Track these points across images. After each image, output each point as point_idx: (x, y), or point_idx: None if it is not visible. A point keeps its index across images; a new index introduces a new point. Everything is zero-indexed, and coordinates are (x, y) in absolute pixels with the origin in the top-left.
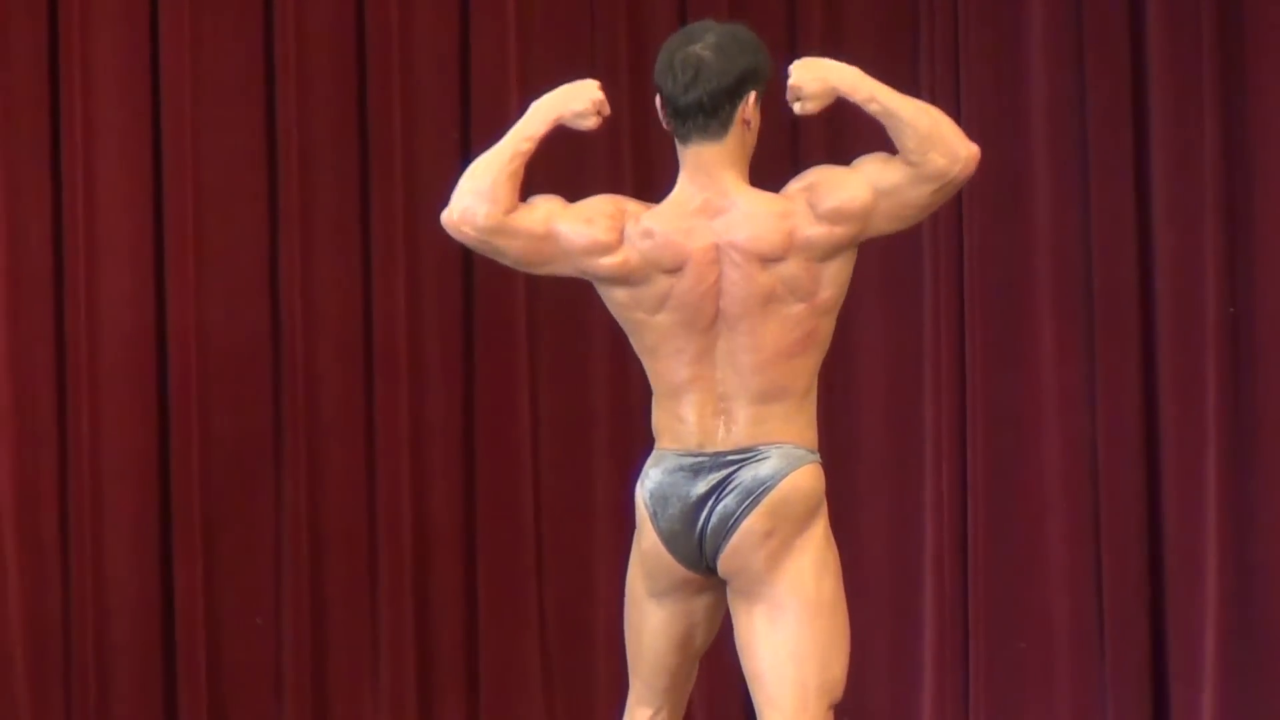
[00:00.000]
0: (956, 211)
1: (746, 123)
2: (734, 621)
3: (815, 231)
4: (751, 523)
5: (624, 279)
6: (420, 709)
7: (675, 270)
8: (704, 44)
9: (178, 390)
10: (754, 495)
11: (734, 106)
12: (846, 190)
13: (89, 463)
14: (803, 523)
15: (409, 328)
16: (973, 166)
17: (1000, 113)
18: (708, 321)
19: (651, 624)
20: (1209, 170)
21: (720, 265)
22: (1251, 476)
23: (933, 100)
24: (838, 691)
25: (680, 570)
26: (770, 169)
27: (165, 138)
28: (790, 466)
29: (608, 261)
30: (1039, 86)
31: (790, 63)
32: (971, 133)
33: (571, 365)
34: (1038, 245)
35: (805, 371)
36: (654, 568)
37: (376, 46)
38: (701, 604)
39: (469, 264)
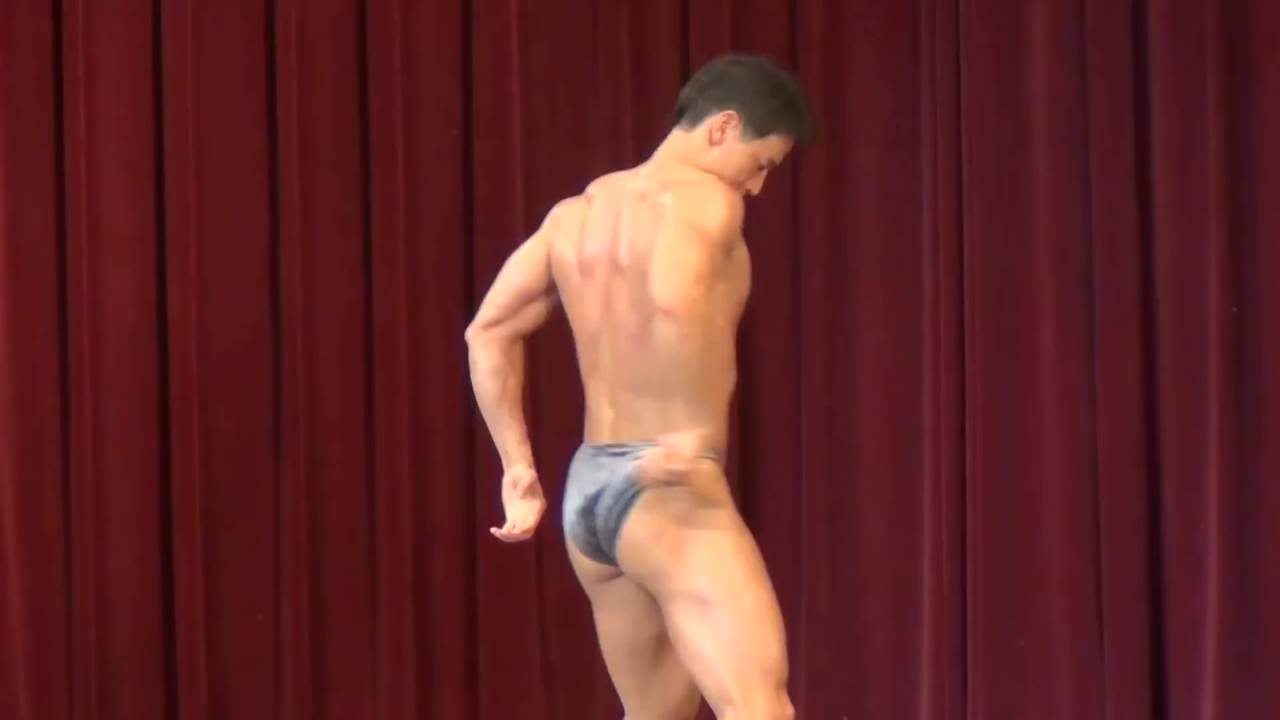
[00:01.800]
0: (957, 209)
1: (713, 140)
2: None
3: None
4: (633, 528)
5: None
6: (420, 705)
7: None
8: (736, 59)
9: (179, 386)
10: (625, 497)
11: (705, 108)
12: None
13: (91, 459)
14: (690, 518)
15: (410, 324)
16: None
17: (1001, 111)
18: (599, 305)
19: (600, 629)
20: (1211, 169)
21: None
22: (1252, 476)
23: (933, 98)
24: (781, 671)
25: (587, 562)
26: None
27: (167, 133)
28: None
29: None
30: (1040, 84)
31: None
32: (972, 130)
33: (571, 362)
34: (1038, 244)
35: (685, 368)
36: (574, 563)
37: (378, 43)
38: (629, 593)
39: (470, 260)
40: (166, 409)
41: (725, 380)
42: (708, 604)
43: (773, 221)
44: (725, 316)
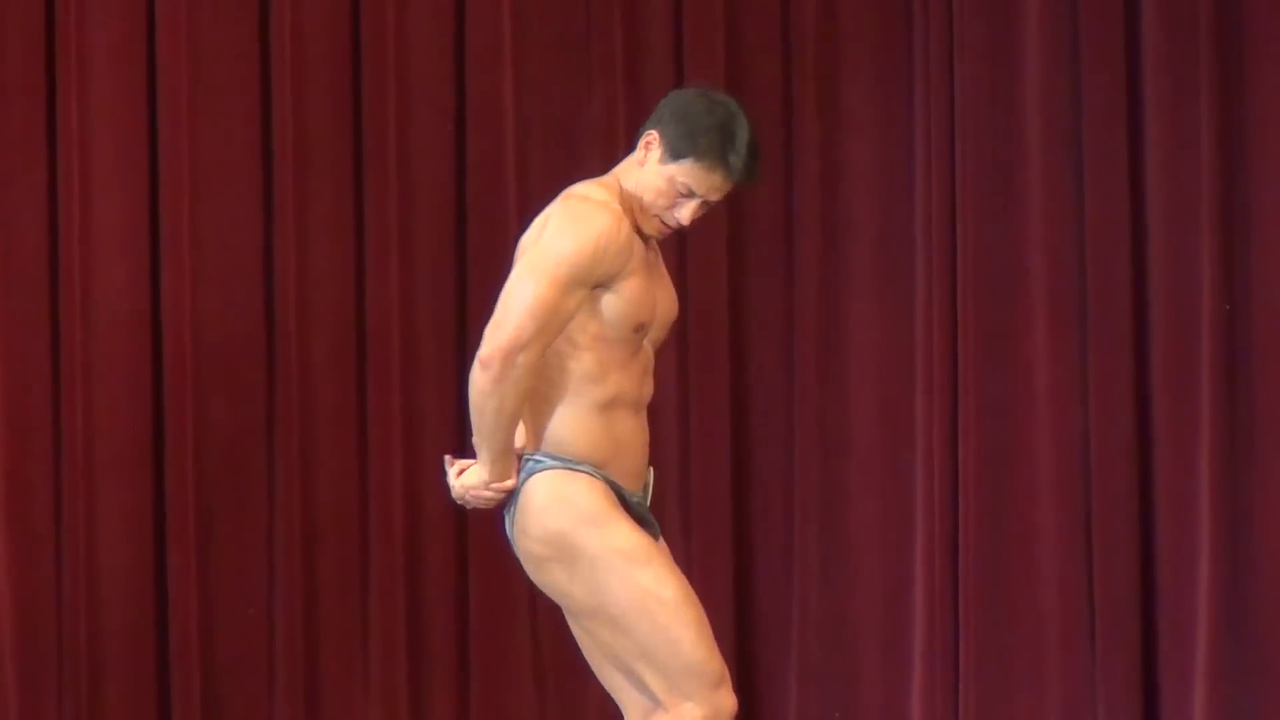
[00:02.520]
0: (950, 207)
1: (640, 160)
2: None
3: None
4: (524, 546)
5: None
6: (411, 699)
7: None
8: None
9: (172, 381)
10: (510, 512)
11: (644, 128)
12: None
13: (82, 453)
14: (574, 534)
15: (403, 319)
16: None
17: (995, 108)
18: None
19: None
20: (1204, 167)
21: None
22: (1244, 473)
23: (926, 97)
24: (707, 667)
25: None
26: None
27: (161, 128)
28: (523, 480)
29: None
30: (1034, 83)
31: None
32: (966, 128)
33: None
34: (1031, 241)
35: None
36: None
37: (372, 39)
38: None
39: (462, 256)
40: (160, 403)
41: (594, 391)
42: (615, 621)
43: (766, 218)
44: (594, 334)
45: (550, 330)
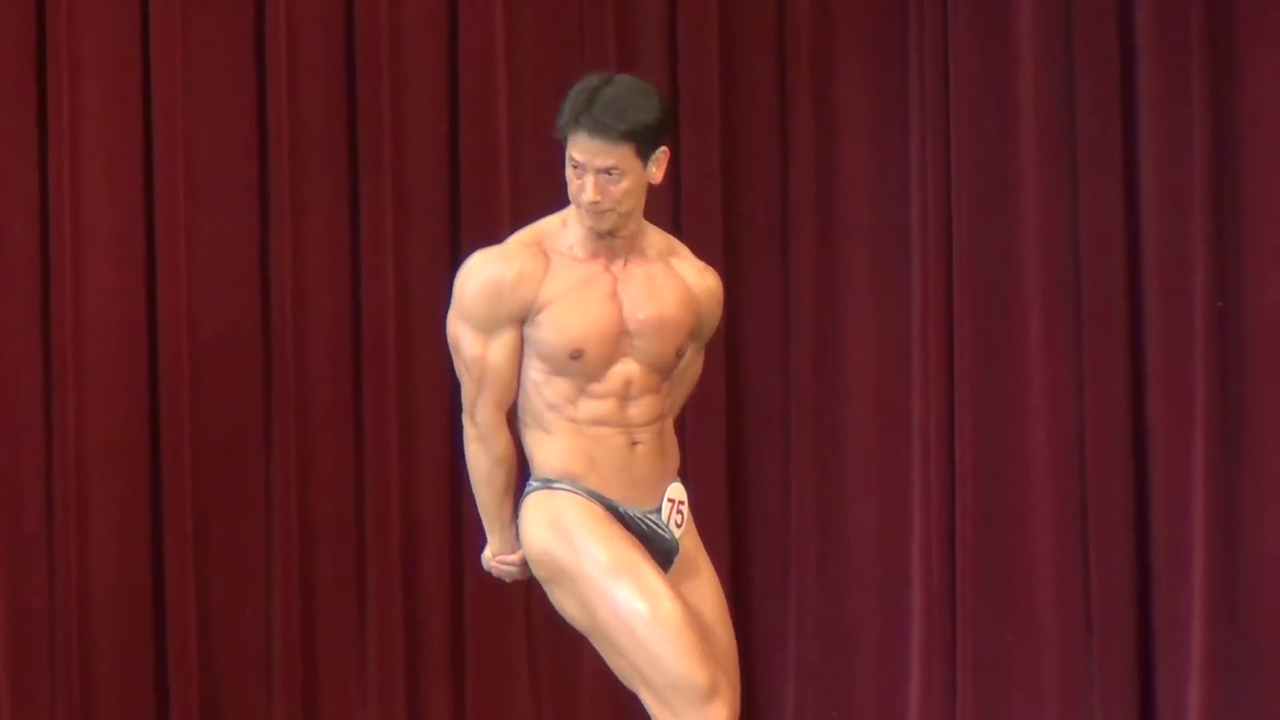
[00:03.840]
0: (945, 204)
1: None
2: None
3: None
4: (531, 568)
5: None
6: (408, 699)
7: None
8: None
9: (167, 382)
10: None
11: None
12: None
13: (74, 455)
14: (557, 554)
15: (398, 320)
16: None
17: (989, 105)
18: None
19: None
20: (1197, 163)
21: None
22: (1238, 471)
23: (921, 94)
24: (695, 680)
25: None
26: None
27: (155, 128)
28: (519, 505)
29: None
30: (1028, 78)
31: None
32: (960, 125)
33: None
34: (1026, 238)
35: (530, 400)
36: None
37: (366, 39)
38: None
39: (458, 255)
40: (155, 404)
41: (567, 414)
42: (604, 637)
43: (761, 216)
44: (543, 368)
45: (490, 381)
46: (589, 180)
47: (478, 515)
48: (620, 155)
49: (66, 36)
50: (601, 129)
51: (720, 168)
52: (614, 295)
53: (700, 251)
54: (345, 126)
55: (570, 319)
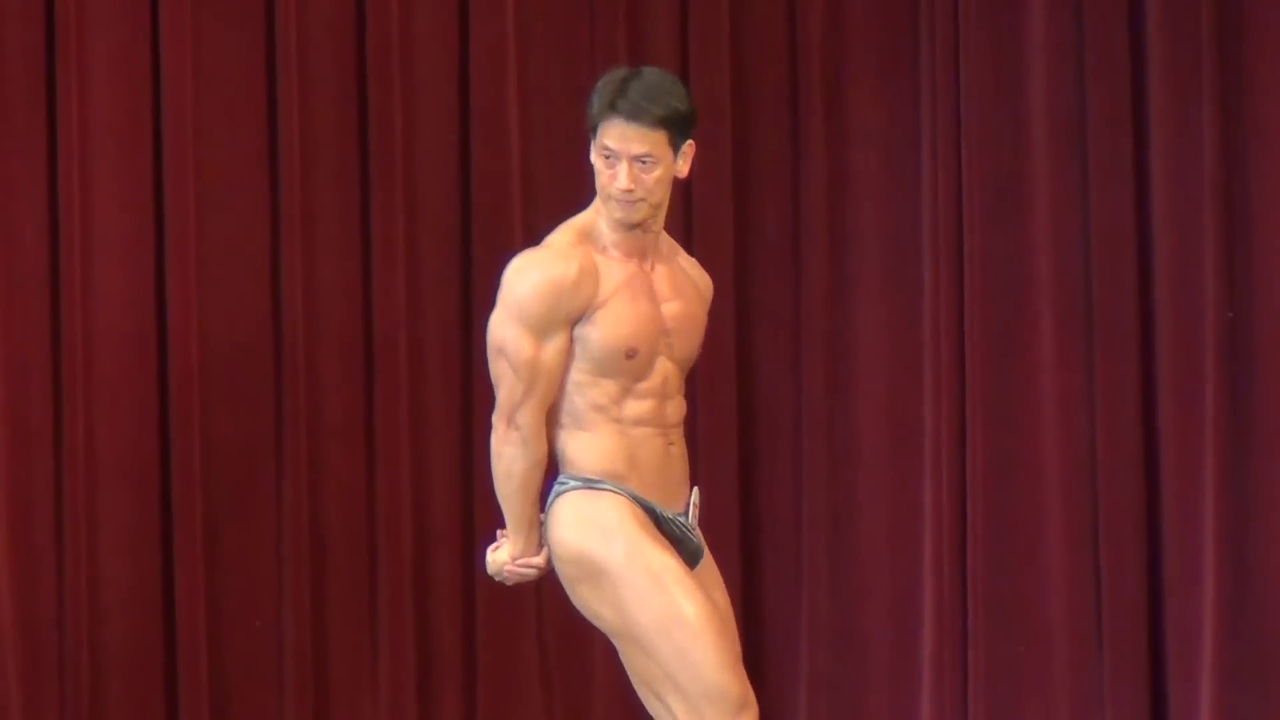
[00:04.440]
0: (956, 213)
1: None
2: None
3: None
4: (559, 568)
5: None
6: (420, 710)
7: None
8: None
9: (178, 392)
10: (543, 532)
11: None
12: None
13: (84, 466)
14: (595, 554)
15: (409, 328)
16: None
17: (1000, 115)
18: None
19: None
20: (1208, 173)
21: None
22: (1249, 479)
23: (932, 103)
24: (728, 691)
25: None
26: (772, 174)
27: (165, 137)
28: (550, 502)
29: None
30: (1039, 88)
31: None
32: (971, 134)
33: None
34: (1037, 248)
35: (572, 400)
36: None
37: (377, 47)
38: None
39: (468, 265)
40: (165, 415)
41: (610, 415)
42: (638, 641)
43: (772, 225)
44: (591, 370)
45: (540, 384)
46: (622, 168)
47: (489, 523)
48: (654, 141)
49: (76, 47)
50: (639, 113)
51: (732, 177)
52: (652, 294)
53: (712, 260)
54: (356, 137)
55: (624, 318)
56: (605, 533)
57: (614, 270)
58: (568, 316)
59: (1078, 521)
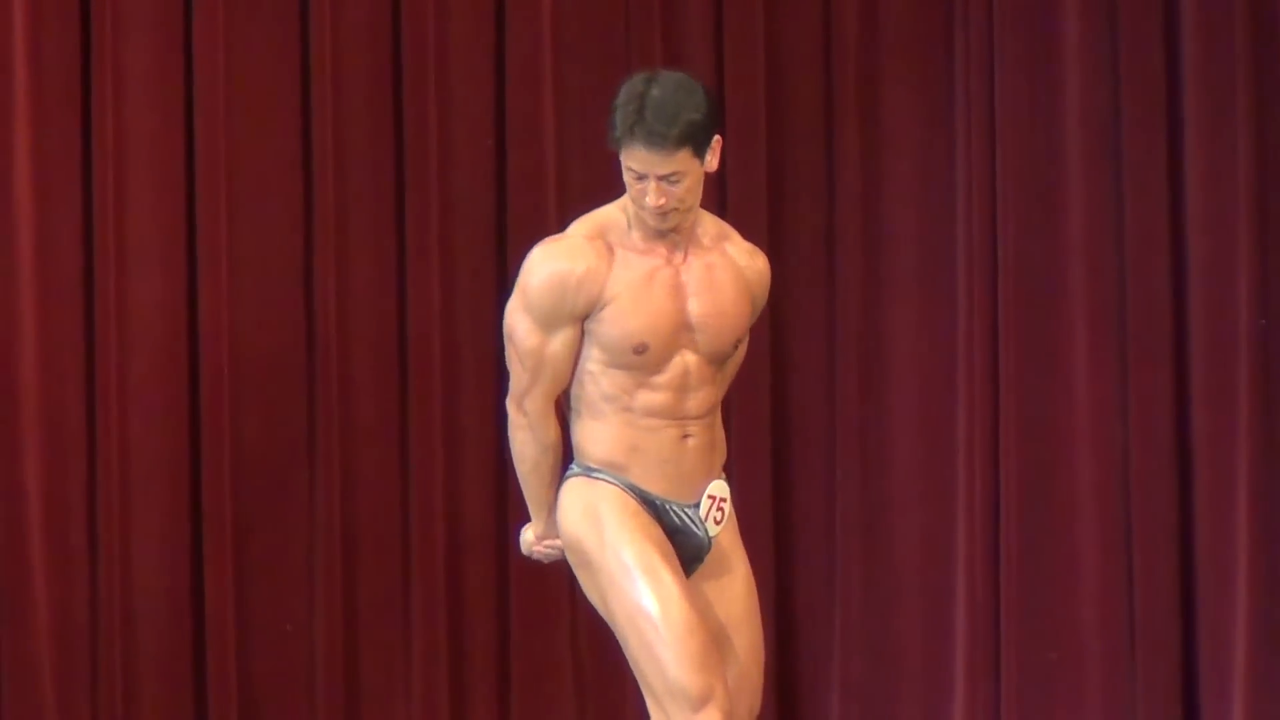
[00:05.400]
0: (990, 220)
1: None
2: None
3: None
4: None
5: None
6: (453, 713)
7: None
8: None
9: (209, 395)
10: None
11: None
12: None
13: (118, 468)
14: (585, 541)
15: (443, 331)
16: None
17: (1034, 121)
18: None
19: None
20: (1242, 180)
21: None
22: None
23: (967, 110)
24: (689, 689)
25: None
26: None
27: (198, 142)
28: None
29: None
30: (1073, 95)
31: (825, 72)
32: (1006, 141)
33: None
34: (1071, 255)
35: (585, 389)
36: None
37: (412, 51)
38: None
39: (503, 268)
40: (197, 417)
41: (620, 405)
42: (618, 630)
43: (807, 230)
44: (602, 360)
45: (545, 374)
46: (650, 186)
47: (518, 526)
48: (679, 160)
49: (111, 53)
50: (657, 139)
51: (766, 182)
52: (676, 288)
53: None
54: (391, 140)
55: (635, 314)
56: (593, 521)
57: (634, 264)
58: (573, 312)
59: (1111, 528)
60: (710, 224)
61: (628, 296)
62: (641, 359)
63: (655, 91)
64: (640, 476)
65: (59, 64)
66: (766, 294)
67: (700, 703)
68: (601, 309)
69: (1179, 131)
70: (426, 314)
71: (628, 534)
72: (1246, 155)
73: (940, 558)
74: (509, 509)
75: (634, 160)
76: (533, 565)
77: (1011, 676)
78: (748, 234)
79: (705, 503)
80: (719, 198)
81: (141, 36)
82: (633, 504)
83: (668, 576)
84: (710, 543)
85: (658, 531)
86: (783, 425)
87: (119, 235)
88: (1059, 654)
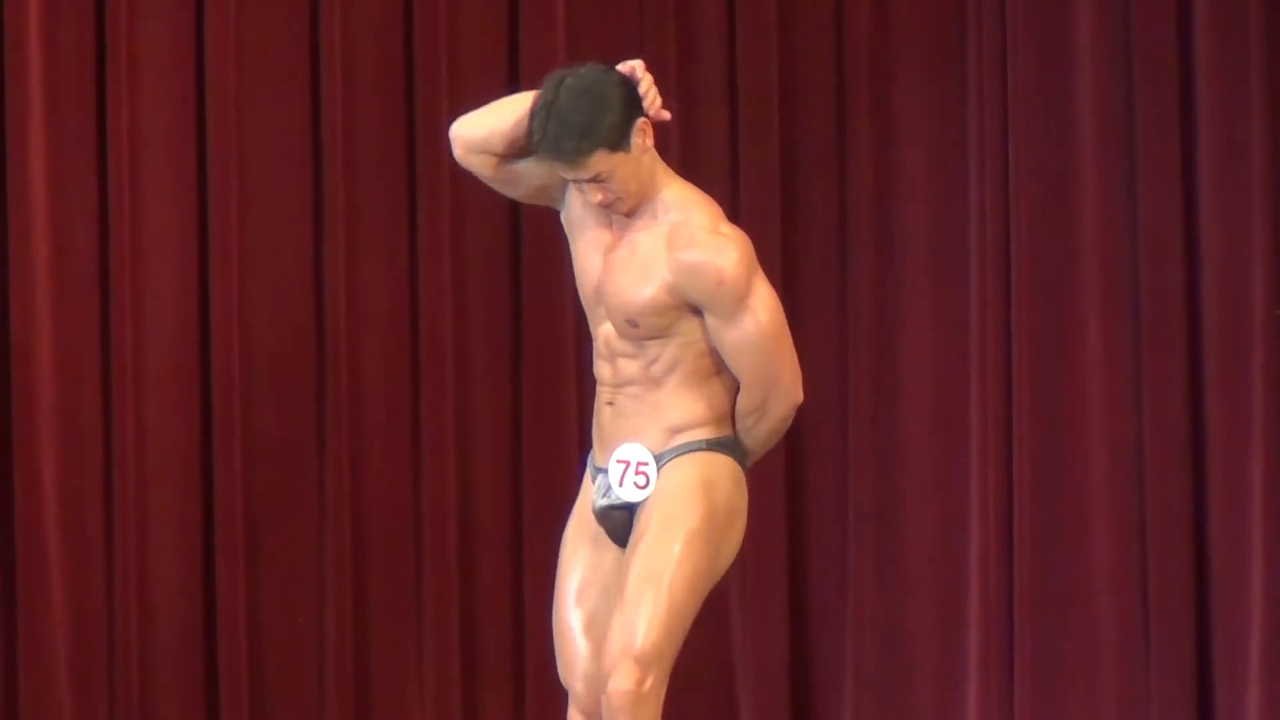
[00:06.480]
0: (1003, 213)
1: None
2: None
3: None
4: None
5: None
6: (465, 708)
7: None
8: None
9: (222, 389)
10: None
11: None
12: None
13: (134, 461)
14: None
15: (455, 325)
16: None
17: (1048, 115)
18: None
19: None
20: (1256, 172)
21: None
22: None
23: (979, 103)
24: (574, 692)
25: None
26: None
27: (210, 136)
28: None
29: None
30: (1086, 89)
31: (837, 66)
32: (1019, 135)
33: None
34: (1085, 247)
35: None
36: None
37: (423, 45)
38: None
39: (516, 261)
40: (209, 411)
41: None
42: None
43: (819, 224)
44: None
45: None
46: (585, 188)
47: (536, 520)
48: (594, 163)
49: (126, 48)
50: (565, 154)
51: (779, 176)
52: (606, 258)
53: (758, 258)
54: (402, 133)
55: (583, 267)
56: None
57: (595, 221)
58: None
59: (1125, 519)
60: (674, 197)
61: (584, 247)
62: (589, 312)
63: (561, 100)
64: (596, 451)
65: (74, 60)
66: (706, 287)
67: (570, 702)
68: (571, 242)
69: (1192, 122)
70: (438, 307)
71: (566, 537)
72: (1260, 145)
73: (953, 549)
74: (522, 502)
75: (557, 169)
76: (547, 556)
77: (1025, 668)
78: (759, 227)
79: (616, 467)
80: (732, 192)
81: (155, 31)
82: (584, 498)
83: (570, 581)
84: (633, 508)
85: (590, 527)
86: (795, 417)
87: (134, 230)
88: (1073, 645)
